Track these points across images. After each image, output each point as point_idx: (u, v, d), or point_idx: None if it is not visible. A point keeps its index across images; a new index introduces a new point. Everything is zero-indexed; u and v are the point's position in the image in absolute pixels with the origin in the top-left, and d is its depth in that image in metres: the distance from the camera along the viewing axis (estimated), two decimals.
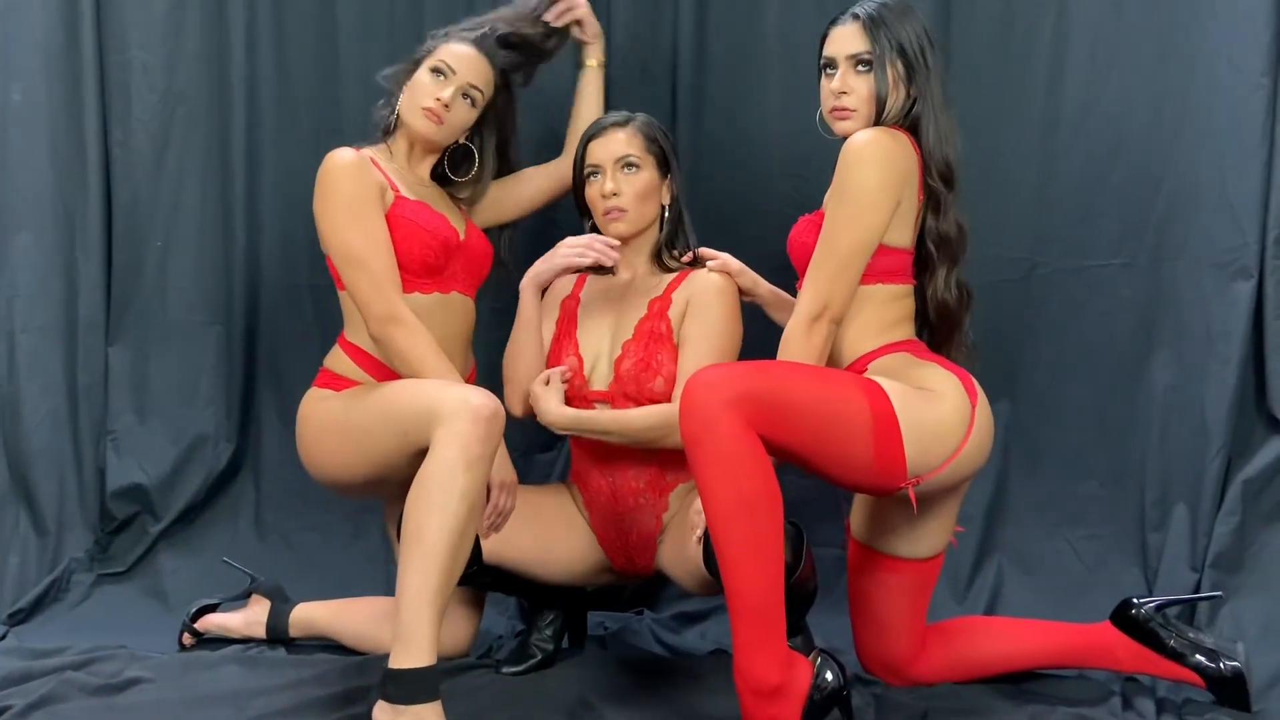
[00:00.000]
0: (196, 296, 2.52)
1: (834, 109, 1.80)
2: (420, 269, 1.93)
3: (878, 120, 1.77)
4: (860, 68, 1.77)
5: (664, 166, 2.00)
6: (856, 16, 1.79)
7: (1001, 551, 2.31)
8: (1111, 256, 2.28)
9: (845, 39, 1.78)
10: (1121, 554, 2.25)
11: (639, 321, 1.95)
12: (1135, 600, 1.85)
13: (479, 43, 2.01)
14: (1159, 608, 1.84)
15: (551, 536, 1.97)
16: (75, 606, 2.34)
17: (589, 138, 1.99)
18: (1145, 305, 2.26)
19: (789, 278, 1.92)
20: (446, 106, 1.96)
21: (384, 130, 2.05)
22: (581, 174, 2.00)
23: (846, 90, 1.77)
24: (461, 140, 2.05)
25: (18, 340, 2.48)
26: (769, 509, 1.56)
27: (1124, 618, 1.85)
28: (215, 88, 2.50)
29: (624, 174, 1.95)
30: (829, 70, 1.81)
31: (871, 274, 1.75)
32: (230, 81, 2.49)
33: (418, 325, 1.85)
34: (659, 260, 2.01)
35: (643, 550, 1.97)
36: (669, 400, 1.88)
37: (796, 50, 2.24)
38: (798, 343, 1.71)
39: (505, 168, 2.14)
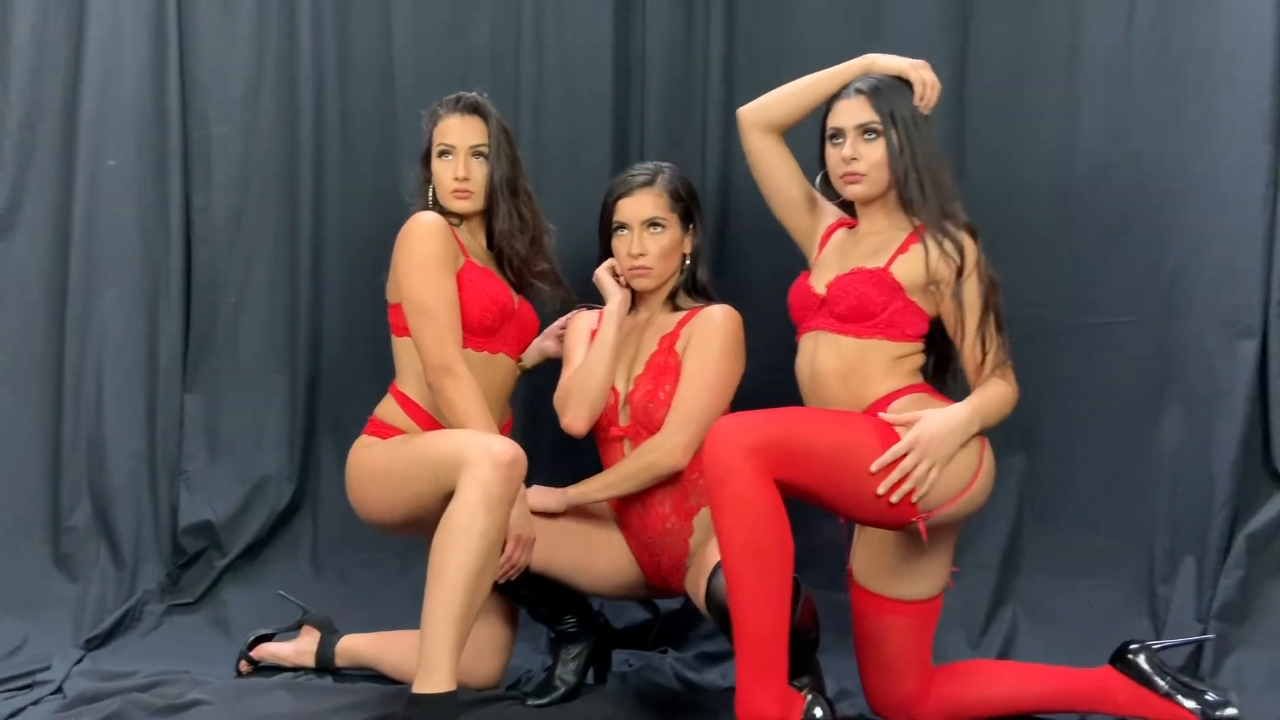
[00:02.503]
0: (265, 347, 2.70)
1: (845, 174, 1.93)
2: (478, 329, 2.09)
3: (891, 184, 1.90)
4: (867, 135, 1.91)
5: (687, 220, 2.14)
6: (860, 91, 1.93)
7: (1015, 600, 2.37)
8: (1122, 314, 2.36)
9: (853, 110, 1.92)
10: (1132, 605, 2.30)
11: (650, 356, 2.09)
12: (1133, 644, 1.91)
13: (464, 108, 2.14)
14: (1156, 651, 1.89)
15: (593, 548, 2.10)
16: (147, 634, 2.50)
17: (618, 196, 2.12)
18: (1154, 362, 2.33)
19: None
20: (466, 178, 2.12)
21: (439, 209, 2.19)
22: (609, 225, 2.14)
23: (856, 156, 1.91)
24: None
25: (104, 386, 2.66)
26: (779, 555, 1.68)
27: (1123, 661, 1.91)
28: (286, 159, 2.69)
29: (650, 233, 2.09)
30: (836, 140, 1.95)
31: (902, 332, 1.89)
32: (299, 153, 2.68)
33: (470, 380, 2.00)
34: (674, 301, 2.15)
35: (674, 572, 2.09)
36: None
37: (818, 115, 2.36)
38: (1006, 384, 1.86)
39: (523, 203, 2.16)
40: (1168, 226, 2.33)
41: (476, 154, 2.14)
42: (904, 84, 1.94)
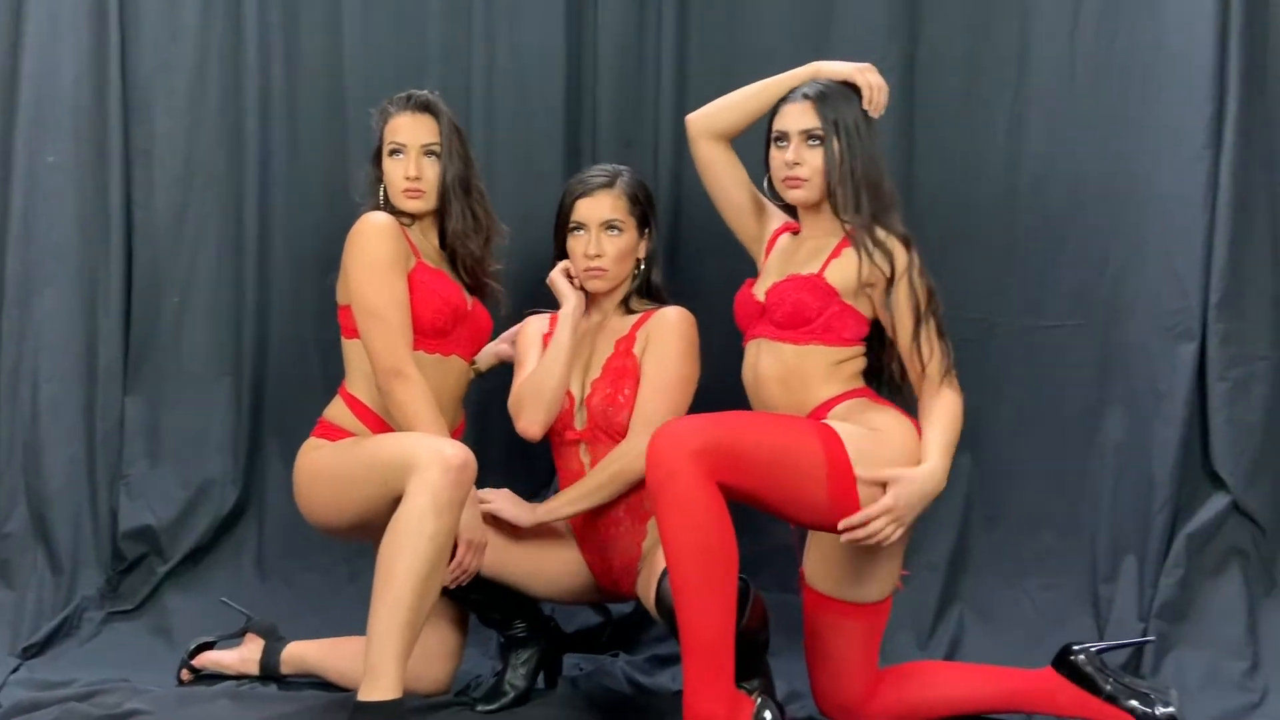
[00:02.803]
0: (209, 349, 2.65)
1: (787, 179, 1.94)
2: (429, 331, 2.07)
3: (828, 190, 1.91)
4: (811, 141, 1.92)
5: (644, 224, 2.14)
6: (807, 96, 1.94)
7: (963, 601, 2.40)
8: (1066, 318, 2.39)
9: (797, 115, 1.93)
10: (1075, 604, 2.33)
11: (607, 360, 2.08)
12: (1075, 645, 1.94)
13: (414, 105, 2.12)
14: (1098, 653, 1.92)
15: (545, 553, 2.09)
16: (85, 642, 2.44)
17: (577, 196, 2.11)
18: (1097, 365, 2.37)
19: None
20: (418, 177, 2.10)
21: (391, 209, 2.16)
22: (565, 225, 2.13)
23: (799, 161, 1.92)
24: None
25: (41, 389, 2.60)
26: (723, 557, 1.68)
27: (1064, 663, 1.93)
28: (231, 156, 2.65)
29: (607, 235, 2.09)
30: (780, 143, 1.96)
31: (839, 336, 1.90)
32: (245, 151, 2.64)
33: (421, 382, 1.98)
34: (627, 305, 2.14)
35: (625, 575, 2.08)
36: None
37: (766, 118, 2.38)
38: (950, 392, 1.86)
39: (476, 202, 2.14)
40: (1111, 231, 2.37)
41: (428, 153, 2.12)
42: (852, 91, 1.95)
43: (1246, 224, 2.26)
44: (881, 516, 1.75)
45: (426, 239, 2.17)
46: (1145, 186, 2.34)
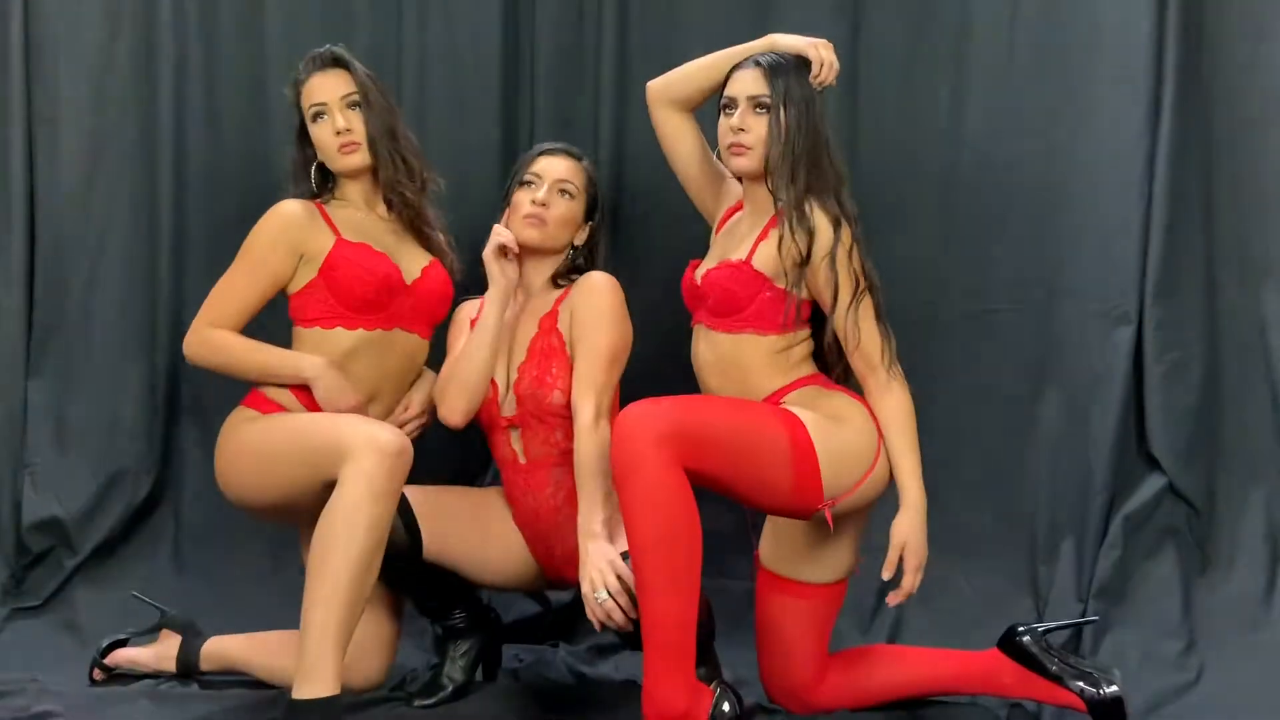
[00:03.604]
0: (120, 330, 2.54)
1: (731, 145, 1.89)
2: (360, 305, 1.99)
3: (765, 163, 1.86)
4: (758, 110, 1.87)
5: (590, 212, 2.08)
6: (759, 63, 1.90)
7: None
8: (1005, 302, 2.40)
9: (747, 81, 1.89)
10: (1014, 585, 2.35)
11: (531, 340, 2.01)
12: (1020, 627, 1.94)
13: (323, 63, 2.05)
14: (1043, 634, 1.93)
15: (488, 539, 2.03)
16: None
17: (541, 152, 2.07)
18: (1035, 349, 2.39)
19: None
20: (349, 130, 2.02)
21: (324, 188, 2.10)
22: (517, 179, 2.07)
23: (745, 128, 1.87)
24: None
25: None
26: (688, 544, 1.64)
27: (1010, 644, 1.94)
28: (143, 127, 2.53)
29: (559, 195, 2.03)
30: (728, 110, 1.91)
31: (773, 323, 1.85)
32: (158, 123, 2.52)
33: (217, 332, 2.00)
34: (554, 282, 2.07)
35: (568, 564, 2.01)
36: (568, 411, 1.92)
37: (712, 103, 2.34)
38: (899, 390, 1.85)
39: (405, 148, 2.08)
40: (1049, 216, 2.39)
41: (351, 104, 2.04)
42: (805, 65, 1.91)
43: (1183, 210, 2.29)
44: (909, 574, 1.82)
45: (372, 210, 2.08)
46: (1083, 172, 2.36)
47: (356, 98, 2.03)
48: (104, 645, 2.17)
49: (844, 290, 1.80)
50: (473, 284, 2.22)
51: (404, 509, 1.91)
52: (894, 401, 1.83)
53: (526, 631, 2.40)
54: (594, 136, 2.49)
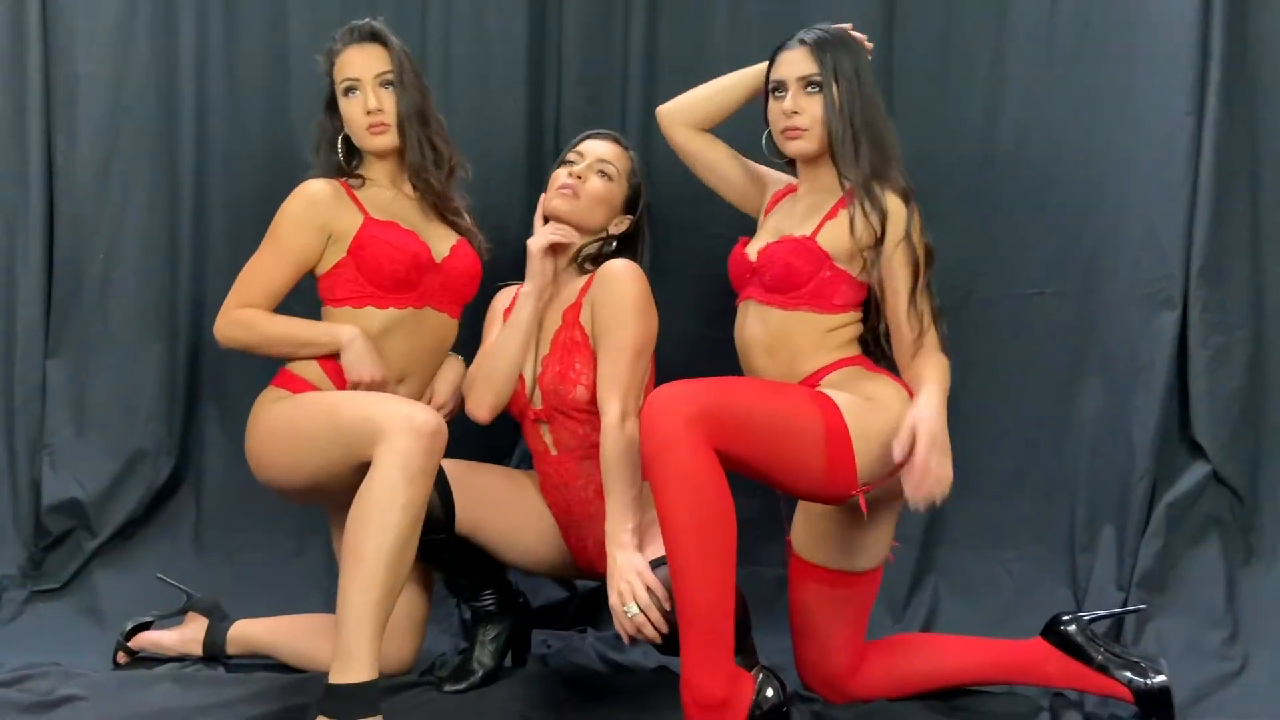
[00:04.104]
0: (140, 310, 2.50)
1: (786, 129, 1.85)
2: (391, 284, 1.95)
3: (828, 141, 1.82)
4: (810, 89, 1.83)
5: (631, 204, 2.03)
6: (804, 41, 1.85)
7: (938, 572, 2.36)
8: (1043, 286, 2.35)
9: (795, 62, 1.84)
10: (1052, 574, 2.30)
11: (555, 333, 1.97)
12: (1065, 615, 1.91)
13: (360, 36, 2.00)
14: (1088, 622, 1.89)
15: (522, 521, 1.99)
16: (6, 624, 2.28)
17: (587, 137, 2.04)
18: (1075, 333, 2.34)
19: (726, 286, 1.96)
20: (380, 110, 1.98)
21: (348, 165, 2.05)
22: (564, 157, 2.05)
23: (798, 110, 1.83)
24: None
25: None
26: (723, 527, 1.60)
27: (1054, 633, 1.90)
28: (164, 103, 2.49)
29: (598, 174, 1.99)
30: (778, 93, 1.87)
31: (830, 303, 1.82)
32: (179, 97, 2.48)
33: (248, 310, 1.96)
34: (580, 266, 2.02)
35: (600, 557, 1.96)
36: (594, 406, 1.88)
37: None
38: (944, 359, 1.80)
39: (435, 133, 2.03)
40: (1091, 197, 2.33)
41: (384, 83, 2.00)
42: (848, 37, 1.86)
43: (1228, 191, 2.23)
44: (924, 451, 1.65)
45: (397, 188, 2.04)
46: (1126, 152, 2.30)
47: (391, 77, 1.99)
48: (128, 628, 2.13)
49: (921, 268, 1.78)
50: (497, 264, 2.19)
51: (439, 480, 1.88)
52: (938, 358, 1.80)
53: (553, 617, 2.37)
54: (621, 115, 2.44)
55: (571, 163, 2.02)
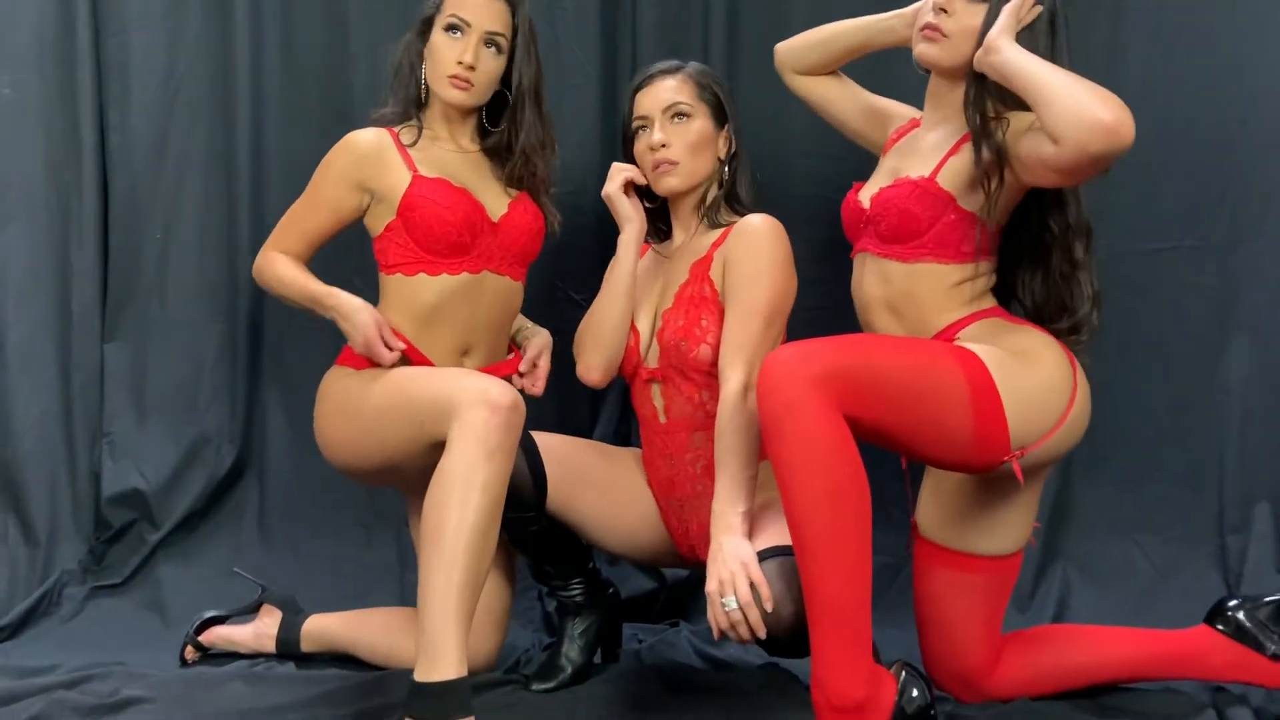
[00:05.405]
0: (198, 291, 2.39)
1: (927, 26, 1.63)
2: (444, 248, 1.81)
3: (963, 59, 1.61)
4: None
5: (720, 117, 1.85)
6: None
7: (1065, 558, 2.17)
8: (1180, 238, 2.15)
9: None
10: (1198, 557, 2.11)
11: (681, 286, 1.80)
12: (1231, 600, 1.71)
13: None
14: (1266, 606, 1.69)
15: (621, 501, 1.84)
16: (67, 621, 2.18)
17: (636, 88, 1.85)
18: (1218, 290, 2.14)
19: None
20: (472, 67, 1.82)
21: (415, 105, 1.90)
22: (630, 129, 1.85)
23: (949, 11, 1.62)
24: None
25: (8, 337, 2.34)
26: (858, 501, 1.41)
27: (1221, 619, 1.70)
28: (218, 71, 2.37)
29: (674, 124, 1.81)
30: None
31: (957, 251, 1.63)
32: (234, 64, 2.36)
33: (273, 254, 1.90)
34: (711, 217, 1.84)
35: (704, 541, 1.78)
36: (715, 370, 1.71)
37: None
38: None
39: (545, 117, 1.92)
40: (1227, 140, 2.12)
41: (490, 42, 1.83)
42: None
43: None
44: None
45: (454, 140, 1.89)
46: (1270, 88, 2.09)
47: (501, 40, 1.83)
48: (199, 621, 2.01)
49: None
50: (580, 231, 2.03)
51: (530, 452, 1.73)
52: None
53: (640, 609, 2.20)
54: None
55: (641, 129, 1.83)
